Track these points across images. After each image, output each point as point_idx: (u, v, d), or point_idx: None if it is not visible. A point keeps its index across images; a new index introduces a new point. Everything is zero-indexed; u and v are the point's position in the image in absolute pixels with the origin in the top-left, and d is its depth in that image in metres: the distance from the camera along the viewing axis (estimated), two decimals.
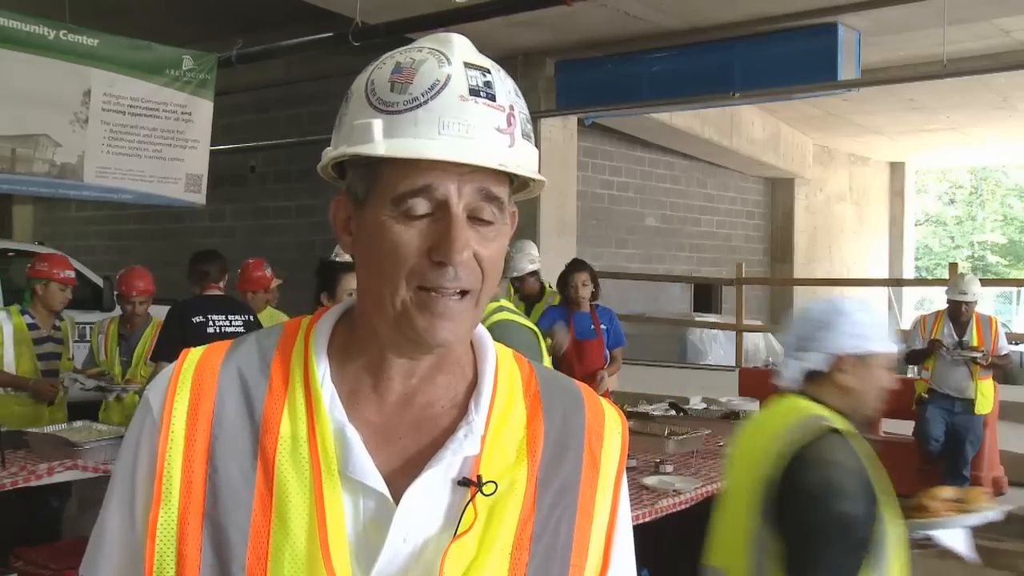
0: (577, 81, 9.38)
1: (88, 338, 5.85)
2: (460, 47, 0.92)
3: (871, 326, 2.19)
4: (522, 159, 0.92)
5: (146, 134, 7.36)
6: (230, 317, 4.87)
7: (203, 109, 7.71)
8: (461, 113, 0.88)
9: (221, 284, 5.07)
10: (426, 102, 0.88)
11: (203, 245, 12.31)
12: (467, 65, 0.90)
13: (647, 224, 12.94)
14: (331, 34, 8.27)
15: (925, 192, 27.56)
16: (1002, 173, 28.03)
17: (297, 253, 11.19)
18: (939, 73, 7.96)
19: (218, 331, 4.77)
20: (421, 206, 0.89)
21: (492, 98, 0.90)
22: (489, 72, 0.91)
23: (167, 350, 4.71)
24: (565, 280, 5.81)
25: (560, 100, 9.39)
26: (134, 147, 7.30)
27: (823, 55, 8.07)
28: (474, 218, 0.90)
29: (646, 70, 9.03)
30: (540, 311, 7.07)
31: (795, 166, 14.41)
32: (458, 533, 0.91)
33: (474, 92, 0.89)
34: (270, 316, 6.00)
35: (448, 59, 0.90)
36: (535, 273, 6.59)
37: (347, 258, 7.10)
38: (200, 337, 4.65)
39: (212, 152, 7.91)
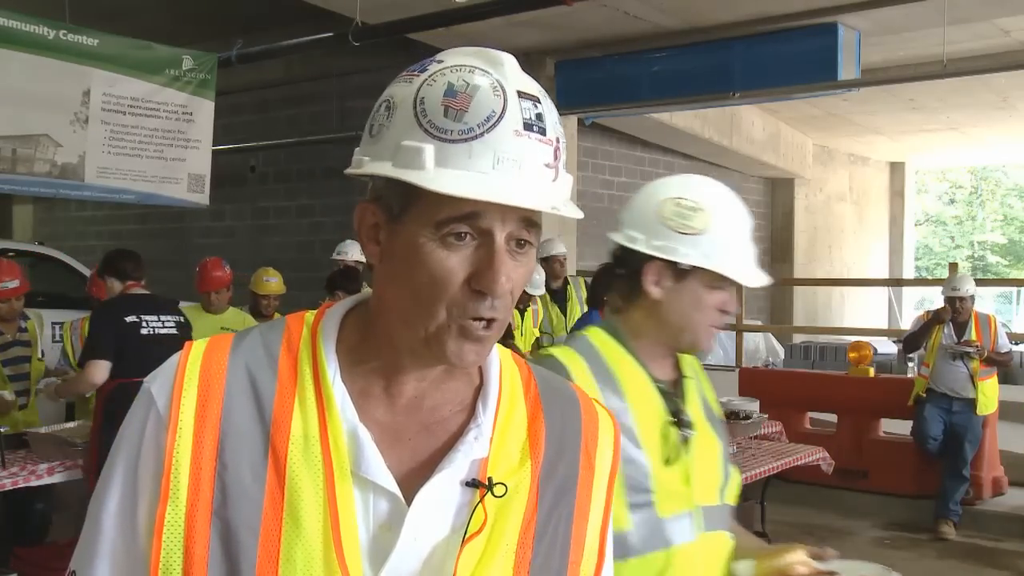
0: (577, 81, 9.38)
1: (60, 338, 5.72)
2: (512, 73, 0.92)
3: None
4: (564, 192, 0.93)
5: (147, 134, 7.35)
6: (162, 318, 4.71)
7: (204, 109, 7.71)
8: (515, 148, 0.88)
9: (143, 283, 4.87)
10: (482, 134, 0.88)
11: (203, 245, 12.31)
12: (520, 95, 0.90)
13: None
14: (331, 34, 8.26)
15: (925, 192, 27.55)
16: (1002, 173, 28.01)
17: (297, 253, 11.18)
18: (939, 73, 7.96)
19: (152, 332, 4.62)
20: (463, 232, 0.89)
21: (543, 132, 0.91)
22: (539, 102, 0.92)
23: (99, 350, 4.49)
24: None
25: (560, 100, 9.38)
26: (135, 147, 7.29)
27: (823, 55, 8.07)
28: (513, 244, 0.91)
29: (646, 70, 9.02)
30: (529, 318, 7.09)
31: (795, 166, 14.40)
32: (468, 535, 0.92)
33: (528, 127, 0.89)
34: (234, 314, 5.88)
35: (503, 87, 0.90)
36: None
37: (349, 259, 7.10)
38: (134, 337, 4.52)
39: (212, 152, 7.91)
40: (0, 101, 6.51)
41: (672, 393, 1.66)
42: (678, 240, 1.62)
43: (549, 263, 7.38)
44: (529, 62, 9.33)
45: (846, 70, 8.11)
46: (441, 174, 0.87)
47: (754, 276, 1.71)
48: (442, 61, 0.92)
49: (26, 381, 5.08)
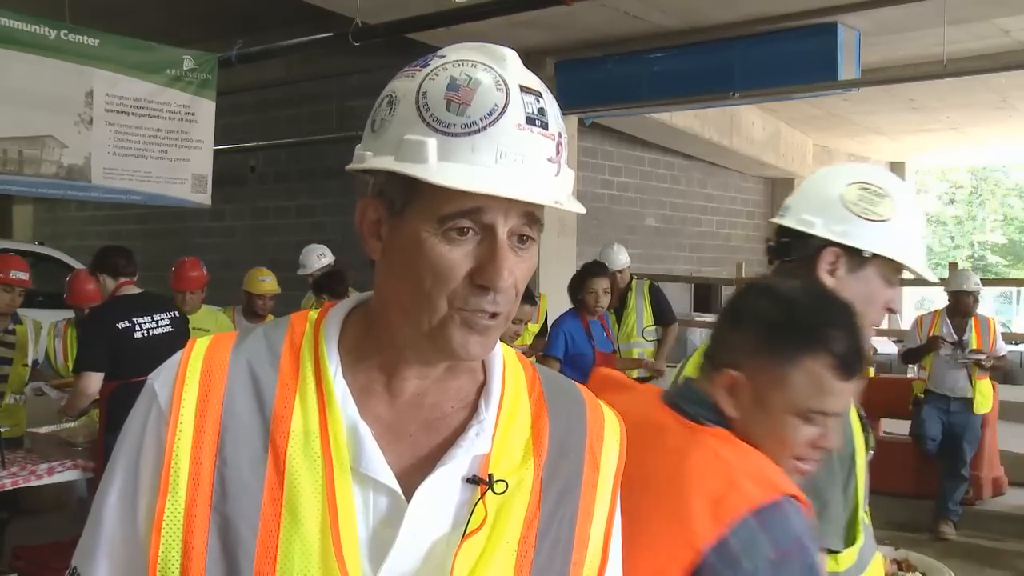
0: (577, 81, 9.37)
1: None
2: (514, 67, 0.93)
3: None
4: (566, 187, 0.93)
5: (151, 135, 7.34)
6: (155, 317, 4.58)
7: (205, 109, 7.70)
8: (517, 142, 0.88)
9: (135, 279, 4.74)
10: (484, 128, 0.88)
11: (203, 245, 12.29)
12: (523, 89, 0.91)
13: (647, 224, 12.95)
14: (331, 34, 8.26)
15: (925, 192, 27.54)
16: (1002, 173, 28.03)
17: (297, 253, 11.15)
18: (939, 73, 7.95)
19: (146, 335, 4.49)
20: (466, 227, 0.89)
21: (545, 127, 0.91)
22: (541, 97, 0.92)
23: (91, 361, 4.38)
24: (583, 285, 5.30)
25: (560, 100, 9.21)
26: (139, 148, 7.27)
27: (823, 55, 8.07)
28: (515, 239, 0.91)
29: (646, 70, 9.02)
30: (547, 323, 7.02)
31: (795, 166, 14.41)
32: (468, 531, 0.92)
33: (530, 121, 0.90)
34: (207, 313, 5.86)
35: (505, 81, 0.90)
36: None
37: (311, 270, 6.96)
38: (127, 343, 4.42)
39: (212, 152, 7.90)
40: (4, 102, 6.49)
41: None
42: (861, 226, 1.53)
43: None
44: (529, 62, 9.18)
45: (846, 70, 8.11)
46: (444, 168, 0.87)
47: (930, 273, 1.60)
48: (444, 56, 0.93)
49: (1, 384, 4.92)
